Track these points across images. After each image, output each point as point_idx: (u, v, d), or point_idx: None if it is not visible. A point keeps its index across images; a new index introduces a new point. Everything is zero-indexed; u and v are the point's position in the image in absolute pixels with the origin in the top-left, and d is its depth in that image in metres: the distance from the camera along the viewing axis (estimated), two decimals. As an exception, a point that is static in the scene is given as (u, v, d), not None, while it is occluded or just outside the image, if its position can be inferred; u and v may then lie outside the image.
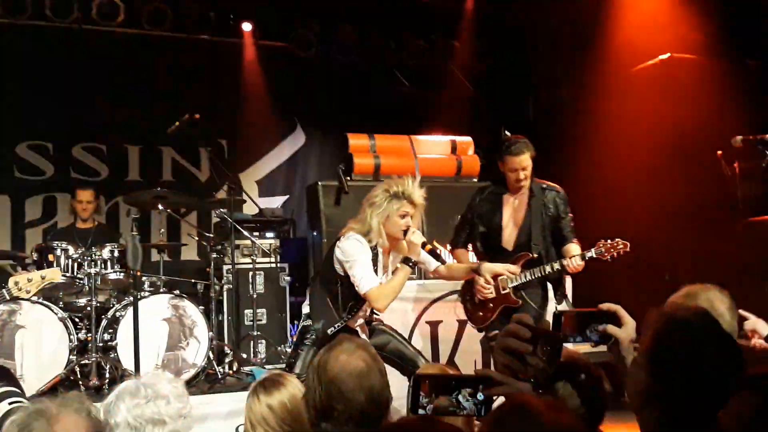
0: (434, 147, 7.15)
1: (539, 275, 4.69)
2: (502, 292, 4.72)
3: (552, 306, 4.89)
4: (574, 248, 4.72)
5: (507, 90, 9.04)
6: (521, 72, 9.09)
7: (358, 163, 6.76)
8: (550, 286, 4.87)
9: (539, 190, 4.81)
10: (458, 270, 4.83)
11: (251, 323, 6.54)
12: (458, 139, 7.18)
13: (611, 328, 2.09)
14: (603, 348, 2.21)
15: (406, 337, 5.68)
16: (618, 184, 7.23)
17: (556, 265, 4.64)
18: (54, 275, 4.15)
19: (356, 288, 4.26)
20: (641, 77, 7.39)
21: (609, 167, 7.30)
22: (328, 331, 4.30)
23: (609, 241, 4.53)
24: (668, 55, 7.19)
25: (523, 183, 4.73)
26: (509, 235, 4.81)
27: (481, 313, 4.82)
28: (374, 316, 4.60)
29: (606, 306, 2.15)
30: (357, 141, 6.93)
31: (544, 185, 4.86)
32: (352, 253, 4.26)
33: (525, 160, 4.67)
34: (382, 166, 6.74)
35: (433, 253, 4.45)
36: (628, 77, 7.46)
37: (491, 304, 4.77)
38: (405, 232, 4.30)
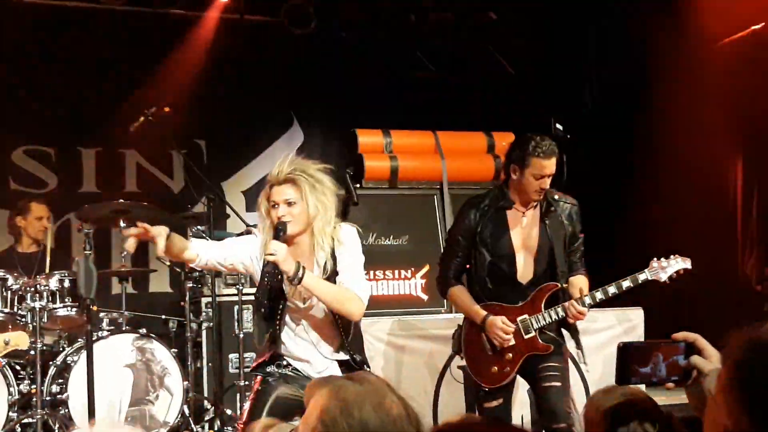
0: (466, 144, 7.16)
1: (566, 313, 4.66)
2: (526, 336, 4.67)
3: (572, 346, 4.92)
4: (582, 281, 4.75)
5: (558, 72, 9.03)
6: (576, 50, 9.10)
7: (370, 167, 6.78)
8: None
9: (553, 202, 4.80)
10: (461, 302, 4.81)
11: (237, 371, 6.53)
12: (496, 134, 7.18)
13: (697, 360, 2.07)
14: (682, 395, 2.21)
15: (435, 387, 5.68)
16: (698, 184, 7.21)
17: (611, 289, 4.64)
18: (20, 341, 4.24)
19: None
20: (729, 53, 7.38)
21: (686, 165, 7.28)
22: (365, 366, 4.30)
23: (664, 259, 4.64)
24: (762, 24, 7.18)
25: (542, 194, 4.71)
26: (524, 265, 4.76)
27: (496, 368, 4.70)
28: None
29: (682, 335, 2.14)
30: (368, 139, 6.95)
31: (556, 195, 4.85)
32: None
33: (554, 164, 4.63)
34: (401, 170, 6.76)
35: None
36: (712, 53, 7.46)
37: (510, 354, 4.69)
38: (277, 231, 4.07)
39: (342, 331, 4.22)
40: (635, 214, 7.80)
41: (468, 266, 4.85)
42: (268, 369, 4.26)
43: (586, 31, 8.95)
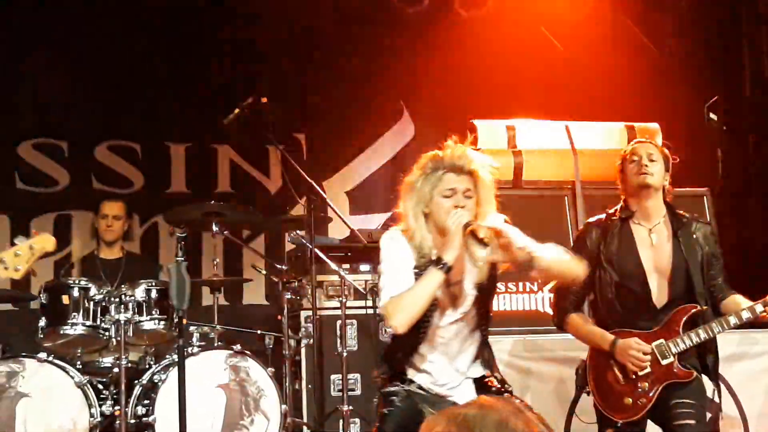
0: (603, 137, 7.07)
1: (712, 334, 4.68)
2: (663, 362, 4.66)
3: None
4: (742, 300, 4.78)
5: (711, 52, 8.86)
6: (733, 25, 8.91)
7: (491, 164, 6.78)
8: None
9: (684, 219, 4.88)
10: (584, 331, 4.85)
11: (340, 393, 6.59)
12: (638, 125, 7.09)
13: None
14: None
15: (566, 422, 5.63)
16: None
17: (752, 310, 4.66)
18: (45, 243, 4.28)
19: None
20: None
21: None
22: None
23: None
24: None
25: (648, 176, 4.77)
26: (659, 288, 4.78)
27: (630, 399, 4.68)
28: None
29: None
30: (489, 131, 6.93)
31: (687, 214, 4.93)
32: (381, 254, 4.19)
33: (650, 146, 4.86)
34: (527, 167, 6.72)
35: (475, 236, 4.02)
36: None
37: (646, 383, 4.68)
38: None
39: (487, 347, 4.25)
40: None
41: (592, 292, 4.91)
42: (392, 388, 4.21)
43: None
